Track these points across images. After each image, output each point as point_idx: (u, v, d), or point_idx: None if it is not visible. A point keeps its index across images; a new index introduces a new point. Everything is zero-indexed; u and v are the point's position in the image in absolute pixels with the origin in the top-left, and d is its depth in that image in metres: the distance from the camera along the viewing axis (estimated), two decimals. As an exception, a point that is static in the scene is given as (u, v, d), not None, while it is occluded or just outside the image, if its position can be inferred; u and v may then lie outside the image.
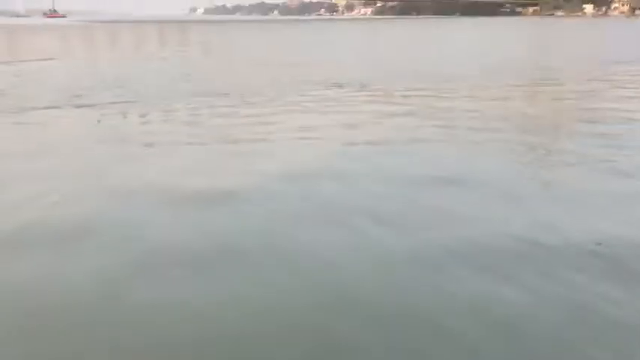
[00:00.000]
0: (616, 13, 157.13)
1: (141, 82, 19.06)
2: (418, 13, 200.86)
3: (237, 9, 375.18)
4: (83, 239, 5.39)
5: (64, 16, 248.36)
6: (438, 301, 4.15)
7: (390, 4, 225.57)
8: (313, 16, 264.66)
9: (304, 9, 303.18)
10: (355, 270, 4.68)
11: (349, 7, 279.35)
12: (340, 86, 17.04)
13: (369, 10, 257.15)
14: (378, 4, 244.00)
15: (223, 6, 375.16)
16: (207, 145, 9.50)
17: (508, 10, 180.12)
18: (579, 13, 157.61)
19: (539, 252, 4.98)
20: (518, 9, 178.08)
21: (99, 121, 11.89)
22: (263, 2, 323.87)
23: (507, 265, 4.72)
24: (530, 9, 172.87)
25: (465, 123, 11.07)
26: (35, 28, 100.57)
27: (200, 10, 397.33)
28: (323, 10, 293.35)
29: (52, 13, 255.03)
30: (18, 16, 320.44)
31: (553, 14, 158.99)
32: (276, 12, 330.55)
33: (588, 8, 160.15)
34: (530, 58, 30.42)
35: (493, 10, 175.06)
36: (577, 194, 6.71)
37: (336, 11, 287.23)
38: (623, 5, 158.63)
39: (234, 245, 5.21)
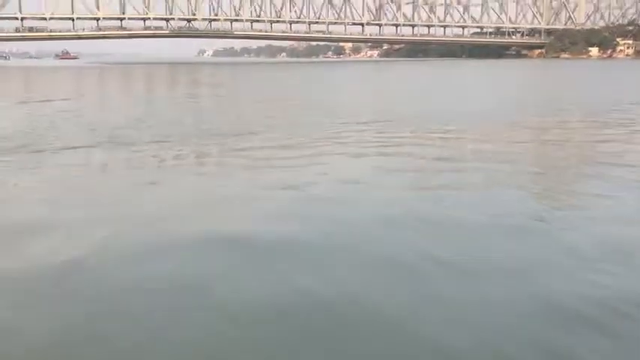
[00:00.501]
0: (621, 55, 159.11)
1: (169, 121, 19.23)
2: (424, 55, 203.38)
3: (245, 51, 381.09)
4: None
5: (76, 58, 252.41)
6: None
7: (397, 46, 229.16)
8: (321, 59, 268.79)
9: (311, 52, 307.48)
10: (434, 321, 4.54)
11: (356, 50, 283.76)
12: (364, 124, 17.10)
13: (375, 53, 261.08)
14: (385, 47, 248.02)
15: (232, 48, 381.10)
16: (263, 189, 9.30)
17: (514, 52, 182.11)
18: (585, 56, 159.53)
19: None
20: (524, 51, 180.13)
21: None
22: (271, 45, 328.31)
23: None
24: (536, 51, 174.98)
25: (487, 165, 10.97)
26: (52, 69, 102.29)
27: (209, 52, 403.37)
28: (330, 52, 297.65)
29: (65, 55, 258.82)
30: (30, 57, 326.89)
31: (559, 57, 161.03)
32: (283, 54, 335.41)
33: (594, 51, 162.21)
34: (535, 99, 30.58)
35: (499, 53, 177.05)
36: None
37: (343, 54, 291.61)
38: (628, 48, 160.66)
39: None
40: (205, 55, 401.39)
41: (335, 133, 15.32)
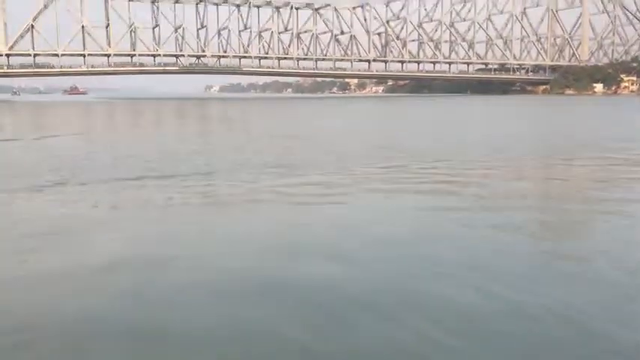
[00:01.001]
0: (626, 91, 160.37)
1: (200, 155, 19.53)
2: (429, 91, 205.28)
3: (251, 87, 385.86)
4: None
5: (84, 93, 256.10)
6: None
7: (402, 82, 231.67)
8: (326, 94, 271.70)
9: (317, 87, 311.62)
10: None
11: (361, 86, 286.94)
12: (386, 160, 17.23)
13: (380, 89, 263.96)
14: (389, 83, 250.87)
15: (238, 84, 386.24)
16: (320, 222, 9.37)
17: (518, 88, 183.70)
18: (590, 92, 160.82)
19: None
20: (529, 87, 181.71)
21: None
22: (277, 80, 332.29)
23: None
24: (541, 87, 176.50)
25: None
26: (65, 104, 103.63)
27: (215, 88, 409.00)
28: (335, 88, 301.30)
29: (73, 90, 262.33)
30: (40, 92, 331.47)
31: (564, 93, 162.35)
32: (289, 90, 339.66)
33: (598, 87, 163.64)
34: (539, 135, 30.69)
35: (504, 89, 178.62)
36: None
37: (348, 89, 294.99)
38: (632, 84, 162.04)
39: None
40: (212, 90, 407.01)
41: (357, 169, 15.44)
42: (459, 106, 78.44)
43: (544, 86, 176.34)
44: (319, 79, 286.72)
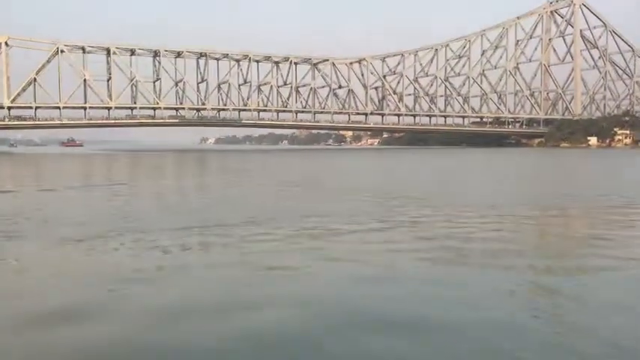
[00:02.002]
0: (620, 144, 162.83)
1: (236, 204, 19.52)
2: (425, 144, 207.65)
3: (247, 138, 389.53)
4: None
5: (81, 145, 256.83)
6: None
7: (397, 135, 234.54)
8: (322, 146, 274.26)
9: (313, 139, 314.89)
10: None
11: (356, 138, 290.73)
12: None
13: (376, 141, 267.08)
14: (385, 135, 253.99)
15: (234, 136, 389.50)
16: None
17: (513, 141, 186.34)
18: (584, 145, 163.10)
19: None
20: (524, 140, 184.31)
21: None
22: (272, 132, 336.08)
23: None
24: (536, 140, 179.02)
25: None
26: (67, 156, 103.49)
27: (211, 140, 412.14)
28: (331, 140, 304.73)
29: (70, 142, 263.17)
30: (36, 144, 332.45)
31: (559, 145, 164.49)
32: (285, 142, 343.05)
33: (593, 140, 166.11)
34: (532, 188, 30.75)
35: (498, 142, 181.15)
36: None
37: (344, 142, 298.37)
38: (626, 138, 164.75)
39: None
40: (208, 142, 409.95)
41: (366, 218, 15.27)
42: (459, 159, 78.96)
43: (539, 139, 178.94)
44: (315, 132, 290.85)
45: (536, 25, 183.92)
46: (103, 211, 18.17)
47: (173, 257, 10.87)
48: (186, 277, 9.47)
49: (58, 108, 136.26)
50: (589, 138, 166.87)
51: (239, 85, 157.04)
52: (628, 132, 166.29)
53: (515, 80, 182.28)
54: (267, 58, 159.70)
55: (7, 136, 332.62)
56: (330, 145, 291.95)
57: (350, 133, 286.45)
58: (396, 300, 8.01)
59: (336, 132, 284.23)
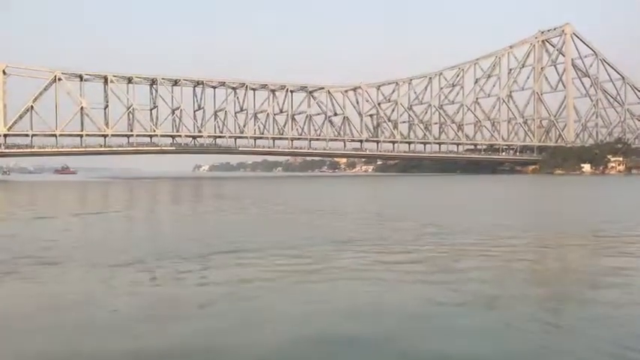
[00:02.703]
0: (613, 171, 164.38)
1: (243, 233, 19.63)
2: (419, 170, 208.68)
3: (240, 165, 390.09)
4: None
5: (75, 173, 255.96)
6: None
7: (391, 161, 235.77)
8: (317, 173, 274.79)
9: (307, 166, 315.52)
10: None
11: (351, 165, 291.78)
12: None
13: (370, 168, 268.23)
14: (379, 162, 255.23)
15: (227, 163, 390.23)
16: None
17: (507, 168, 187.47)
18: (578, 172, 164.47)
19: None
20: (518, 167, 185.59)
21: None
22: (266, 160, 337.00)
23: None
24: (530, 167, 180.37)
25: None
26: (63, 183, 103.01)
27: (204, 167, 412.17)
28: (325, 167, 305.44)
29: (64, 170, 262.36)
30: (30, 172, 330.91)
31: (553, 172, 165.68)
32: (279, 169, 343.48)
33: (587, 167, 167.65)
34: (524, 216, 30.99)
35: (492, 168, 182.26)
36: None
37: (338, 168, 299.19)
38: (619, 165, 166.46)
39: None
40: (202, 169, 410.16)
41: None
42: (455, 185, 79.37)
43: (533, 166, 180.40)
44: (309, 158, 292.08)
45: (528, 54, 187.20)
46: (126, 237, 18.15)
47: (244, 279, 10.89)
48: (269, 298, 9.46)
49: (55, 135, 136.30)
50: (583, 165, 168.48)
51: (235, 113, 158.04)
52: (621, 159, 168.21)
53: (509, 108, 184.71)
54: (264, 86, 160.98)
55: (0, 164, 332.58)
56: (324, 171, 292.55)
57: (344, 160, 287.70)
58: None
59: (330, 159, 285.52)
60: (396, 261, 13.93)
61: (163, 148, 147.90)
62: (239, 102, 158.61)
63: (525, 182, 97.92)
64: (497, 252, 15.53)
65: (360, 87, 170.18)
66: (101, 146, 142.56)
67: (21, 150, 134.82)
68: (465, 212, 31.70)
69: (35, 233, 20.59)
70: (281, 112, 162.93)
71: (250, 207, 36.20)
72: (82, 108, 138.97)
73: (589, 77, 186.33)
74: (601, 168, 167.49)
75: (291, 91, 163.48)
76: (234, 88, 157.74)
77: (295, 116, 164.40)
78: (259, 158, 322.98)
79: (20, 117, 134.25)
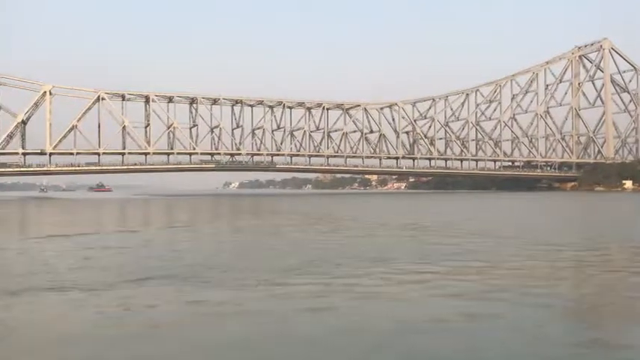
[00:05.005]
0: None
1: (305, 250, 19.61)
2: (453, 188, 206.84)
3: (270, 183, 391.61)
4: None
5: (110, 190, 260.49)
6: None
7: (424, 178, 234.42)
8: (347, 190, 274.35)
9: (337, 183, 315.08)
10: None
11: (382, 182, 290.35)
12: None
13: (402, 185, 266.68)
14: (411, 180, 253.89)
15: (257, 180, 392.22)
16: None
17: (545, 185, 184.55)
18: (619, 189, 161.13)
19: None
20: (556, 184, 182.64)
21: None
22: (295, 177, 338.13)
23: None
24: (569, 184, 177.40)
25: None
26: (108, 201, 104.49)
27: (234, 184, 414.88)
28: (356, 184, 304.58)
29: (100, 188, 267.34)
30: (63, 190, 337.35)
31: (593, 189, 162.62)
32: (309, 186, 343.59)
33: (628, 184, 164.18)
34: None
35: (530, 186, 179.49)
36: None
37: (369, 186, 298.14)
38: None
39: None
40: (231, 186, 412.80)
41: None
42: (511, 201, 78.17)
43: (572, 183, 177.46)
44: (339, 175, 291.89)
45: (565, 70, 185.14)
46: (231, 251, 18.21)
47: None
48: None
49: (97, 154, 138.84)
50: (624, 181, 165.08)
51: (272, 131, 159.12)
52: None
53: (546, 124, 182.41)
54: (301, 104, 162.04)
55: (32, 182, 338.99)
56: (355, 189, 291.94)
57: (375, 176, 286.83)
58: None
59: (361, 176, 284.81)
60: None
61: (203, 165, 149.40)
62: (276, 120, 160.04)
63: (572, 199, 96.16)
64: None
65: (396, 104, 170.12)
66: (141, 164, 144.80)
67: (66, 168, 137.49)
68: (571, 229, 31.14)
69: (171, 245, 20.71)
70: (317, 129, 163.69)
71: (324, 223, 36.11)
72: (124, 127, 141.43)
73: (628, 92, 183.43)
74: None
75: (327, 109, 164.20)
76: (271, 107, 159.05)
77: (331, 134, 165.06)
78: (288, 175, 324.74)
79: (64, 136, 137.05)
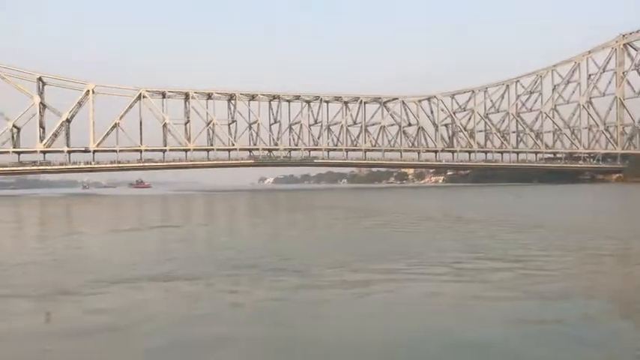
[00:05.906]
0: None
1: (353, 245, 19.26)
2: (493, 181, 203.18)
3: (305, 178, 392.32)
4: None
5: (149, 186, 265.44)
6: None
7: (463, 171, 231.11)
8: (384, 184, 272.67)
9: (373, 177, 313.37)
10: None
11: (419, 176, 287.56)
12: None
13: (440, 178, 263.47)
14: (449, 173, 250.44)
15: (291, 175, 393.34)
16: None
17: (588, 177, 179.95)
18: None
19: None
20: (600, 176, 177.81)
21: None
22: (330, 171, 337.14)
23: None
24: (614, 176, 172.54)
25: None
26: (153, 196, 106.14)
27: (269, 180, 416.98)
28: (392, 178, 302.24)
29: (139, 184, 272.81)
30: (104, 186, 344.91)
31: None
32: (344, 180, 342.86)
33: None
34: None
35: (572, 178, 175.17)
36: None
37: (406, 179, 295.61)
38: None
39: None
40: (266, 182, 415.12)
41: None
42: (564, 195, 76.07)
43: (617, 175, 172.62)
44: (374, 169, 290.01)
45: (609, 59, 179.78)
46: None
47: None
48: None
49: (139, 151, 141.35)
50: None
51: (309, 126, 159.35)
52: None
53: (589, 115, 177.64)
54: (338, 99, 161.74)
55: (76, 179, 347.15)
56: (391, 183, 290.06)
57: (411, 170, 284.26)
58: None
59: (397, 170, 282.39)
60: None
61: (242, 161, 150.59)
62: (313, 115, 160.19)
63: (623, 192, 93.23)
64: None
65: (434, 96, 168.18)
66: (181, 160, 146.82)
67: (109, 165, 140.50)
68: None
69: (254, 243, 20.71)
70: (354, 123, 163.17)
71: (374, 217, 35.78)
72: (164, 124, 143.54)
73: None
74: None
75: (364, 103, 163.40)
76: (308, 102, 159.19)
77: (368, 127, 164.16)
78: (323, 170, 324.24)
79: (107, 134, 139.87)
